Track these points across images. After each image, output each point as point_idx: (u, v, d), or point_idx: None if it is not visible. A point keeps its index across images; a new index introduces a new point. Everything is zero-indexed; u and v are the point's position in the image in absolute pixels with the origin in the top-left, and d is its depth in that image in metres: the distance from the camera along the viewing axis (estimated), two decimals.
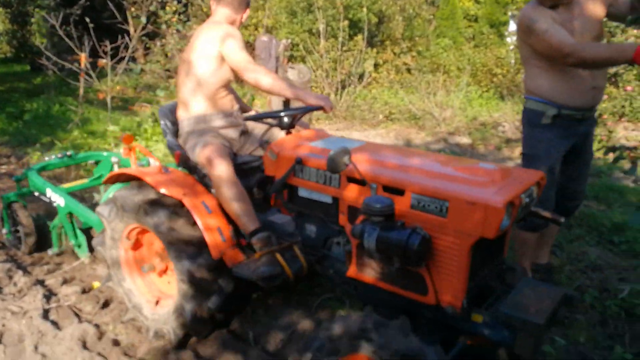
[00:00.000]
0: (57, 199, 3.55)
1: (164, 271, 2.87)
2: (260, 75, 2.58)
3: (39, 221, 3.93)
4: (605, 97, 7.08)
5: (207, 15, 10.06)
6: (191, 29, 8.97)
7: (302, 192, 2.41)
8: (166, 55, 9.11)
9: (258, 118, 2.66)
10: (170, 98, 9.75)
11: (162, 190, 2.49)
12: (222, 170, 2.49)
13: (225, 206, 2.52)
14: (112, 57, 7.44)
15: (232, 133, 2.84)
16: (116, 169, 3.73)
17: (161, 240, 2.55)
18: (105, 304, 3.39)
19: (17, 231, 3.91)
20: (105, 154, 4.20)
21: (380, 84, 10.69)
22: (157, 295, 2.88)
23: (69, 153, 4.08)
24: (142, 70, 10.71)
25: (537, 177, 2.02)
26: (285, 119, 2.57)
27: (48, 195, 3.63)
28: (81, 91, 8.01)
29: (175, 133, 2.90)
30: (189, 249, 2.48)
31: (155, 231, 2.54)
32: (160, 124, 2.96)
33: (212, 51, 2.64)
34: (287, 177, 2.39)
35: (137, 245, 2.88)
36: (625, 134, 6.96)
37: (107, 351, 2.89)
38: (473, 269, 1.92)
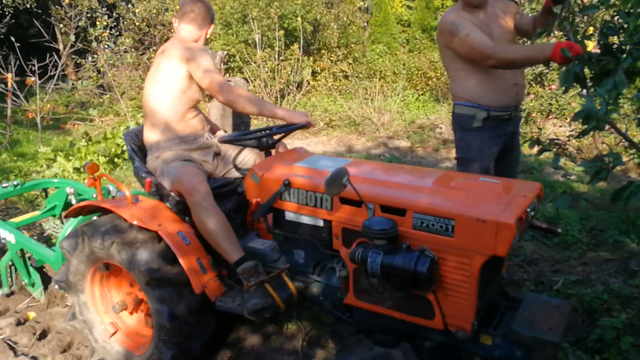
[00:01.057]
0: (7, 235, 3.27)
1: (136, 309, 2.67)
2: (235, 96, 2.44)
3: None
4: (532, 96, 7.52)
5: (140, 28, 9.86)
6: (123, 44, 8.73)
7: (290, 216, 2.28)
8: (98, 72, 8.81)
9: (236, 140, 2.49)
10: (104, 115, 9.44)
11: (136, 222, 2.31)
12: (200, 197, 2.35)
13: (205, 235, 2.37)
14: (42, 75, 7.12)
15: (205, 156, 2.70)
16: (73, 200, 3.49)
17: (136, 278, 2.36)
18: (43, 335, 3.22)
19: None
20: (56, 180, 3.91)
21: (319, 91, 10.80)
22: (130, 336, 2.67)
23: (15, 182, 3.72)
24: (73, 87, 10.29)
25: (537, 189, 1.98)
26: (265, 140, 2.46)
27: None
28: (9, 112, 7.60)
29: (143, 158, 2.71)
30: (168, 288, 2.30)
31: (129, 268, 2.34)
32: (127, 149, 2.77)
33: (179, 71, 2.50)
34: (273, 201, 2.25)
35: (104, 282, 2.67)
36: (554, 130, 7.38)
37: None
38: (481, 288, 1.84)
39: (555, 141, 6.83)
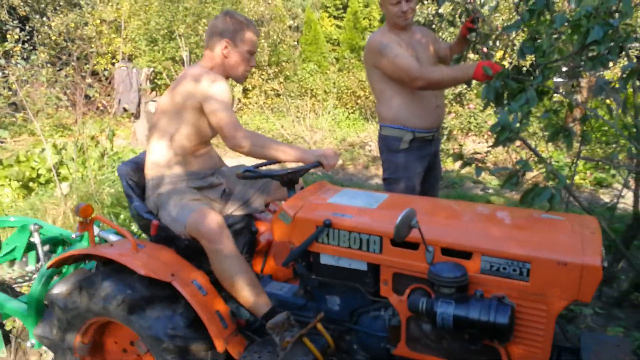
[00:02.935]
0: None
1: None
2: (245, 141, 2.21)
3: None
4: (452, 114, 7.94)
5: (56, 43, 9.36)
6: (38, 59, 8.26)
7: (326, 259, 2.06)
8: (10, 88, 8.25)
9: (256, 177, 2.27)
10: (17, 136, 8.82)
11: (144, 272, 2.01)
12: (222, 244, 2.12)
13: (227, 285, 2.14)
14: None
15: (214, 194, 2.47)
16: (36, 239, 3.09)
17: (147, 343, 2.07)
18: None
19: None
20: (12, 219, 3.44)
21: (250, 109, 10.77)
22: None
23: None
24: None
25: (596, 222, 1.89)
26: (288, 174, 2.27)
27: None
28: None
29: (141, 195, 2.44)
30: (187, 350, 2.03)
31: (139, 332, 2.05)
32: (123, 185, 2.45)
33: (193, 104, 2.26)
34: (309, 244, 2.03)
35: (95, 340, 2.34)
36: (474, 146, 7.83)
37: None
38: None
39: (475, 156, 7.26)
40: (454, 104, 8.09)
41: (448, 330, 1.70)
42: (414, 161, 2.95)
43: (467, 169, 5.85)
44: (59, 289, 2.22)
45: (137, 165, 2.49)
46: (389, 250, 1.89)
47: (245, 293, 2.11)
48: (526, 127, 2.25)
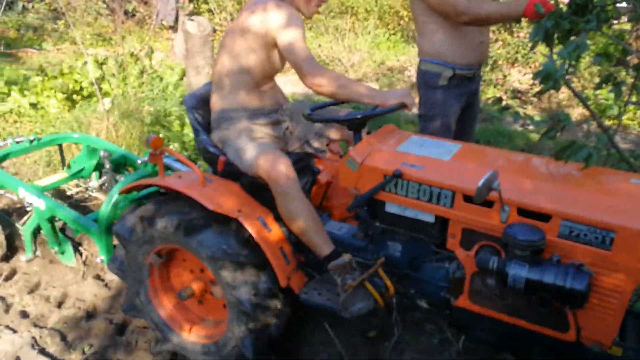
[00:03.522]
0: (35, 201, 3.00)
1: (203, 296, 2.45)
2: (323, 81, 2.12)
3: (2, 222, 3.32)
4: (500, 43, 7.55)
5: None
6: None
7: (391, 208, 2.06)
8: None
9: (322, 121, 2.23)
10: (59, 43, 8.92)
11: (213, 207, 2.05)
12: (288, 185, 2.13)
13: (292, 226, 2.17)
14: None
15: (277, 131, 2.44)
16: (106, 164, 3.24)
17: (208, 264, 2.17)
18: (10, 276, 3.25)
19: None
20: (76, 136, 3.57)
21: (223, 33, 10.45)
22: (193, 322, 2.48)
23: (31, 137, 3.37)
24: (24, 8, 9.64)
25: None
26: (356, 118, 2.18)
27: (21, 195, 3.04)
28: None
29: (207, 128, 2.42)
30: (247, 272, 2.12)
31: (202, 256, 2.14)
32: (189, 117, 2.46)
33: (263, 37, 2.19)
34: (376, 192, 2.02)
35: (162, 268, 2.46)
36: (519, 77, 7.50)
37: (15, 323, 2.82)
38: None
39: (519, 87, 6.98)
40: (502, 32, 7.66)
41: (517, 291, 1.69)
42: (452, 99, 2.90)
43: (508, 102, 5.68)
44: (121, 221, 2.35)
45: (202, 98, 2.46)
46: (460, 205, 1.86)
47: (309, 235, 2.14)
48: (572, 75, 2.16)
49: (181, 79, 5.46)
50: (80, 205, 3.77)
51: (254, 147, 2.23)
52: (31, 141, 3.38)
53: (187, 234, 2.12)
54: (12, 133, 5.06)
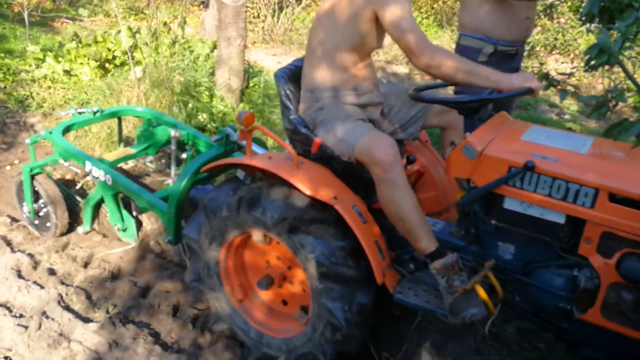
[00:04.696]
0: (103, 176, 2.89)
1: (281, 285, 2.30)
2: (438, 61, 1.89)
3: (64, 194, 3.26)
4: (538, 29, 7.31)
5: None
6: None
7: (511, 204, 1.83)
8: None
9: (438, 101, 2.04)
10: (93, 15, 9.01)
11: (309, 192, 1.90)
12: (395, 173, 1.91)
13: (394, 216, 1.97)
14: None
15: (374, 113, 2.25)
16: (173, 145, 3.11)
17: (303, 264, 1.99)
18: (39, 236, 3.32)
19: (42, 210, 3.22)
20: (139, 110, 3.50)
21: (319, 6, 10.34)
22: (265, 315, 2.35)
23: (95, 109, 3.28)
24: None
25: None
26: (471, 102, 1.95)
27: (88, 169, 2.96)
28: None
29: (296, 107, 2.25)
30: (345, 285, 1.96)
31: (297, 251, 1.98)
32: (280, 93, 2.26)
33: (363, 11, 1.99)
34: (498, 185, 1.81)
35: (238, 252, 2.33)
36: (556, 66, 7.26)
37: (43, 280, 2.87)
38: None
39: (561, 74, 6.76)
40: (542, 17, 7.41)
41: None
42: None
43: (545, 92, 5.49)
44: (215, 194, 2.18)
45: (293, 73, 2.30)
46: (604, 206, 1.64)
47: (413, 228, 1.94)
48: (629, 50, 2.03)
49: (212, 51, 5.44)
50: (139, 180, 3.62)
51: (355, 129, 2.03)
52: (94, 113, 3.28)
53: (292, 231, 1.95)
54: (45, 98, 5.14)
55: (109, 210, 3.05)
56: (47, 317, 2.54)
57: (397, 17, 1.91)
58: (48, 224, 3.21)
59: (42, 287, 2.79)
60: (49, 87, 5.26)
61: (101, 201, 3.10)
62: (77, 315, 2.61)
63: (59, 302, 2.66)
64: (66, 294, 2.76)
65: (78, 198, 3.28)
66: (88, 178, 3.30)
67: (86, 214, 3.19)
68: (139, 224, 3.14)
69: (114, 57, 5.30)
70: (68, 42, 5.51)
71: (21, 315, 2.59)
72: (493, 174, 1.81)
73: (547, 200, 1.73)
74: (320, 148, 2.08)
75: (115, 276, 2.97)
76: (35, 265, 3.01)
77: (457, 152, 1.89)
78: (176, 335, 2.51)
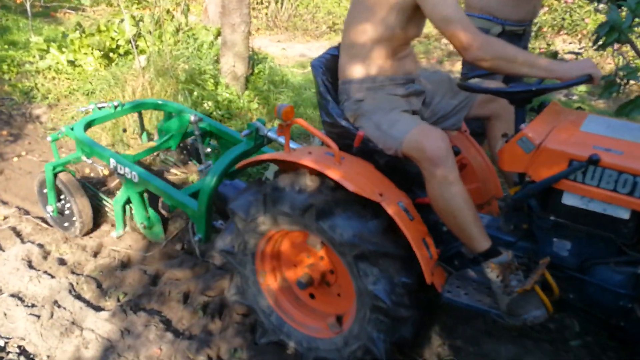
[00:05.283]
0: (129, 173, 2.79)
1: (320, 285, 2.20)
2: (491, 51, 1.77)
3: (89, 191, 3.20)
4: (546, 9, 7.19)
5: None
6: None
7: (570, 199, 1.75)
8: None
9: (488, 91, 1.93)
10: (96, 5, 8.97)
11: (354, 189, 1.79)
12: (450, 167, 1.83)
13: (445, 212, 1.89)
14: None
15: (416, 104, 2.13)
16: (196, 131, 3.02)
17: (339, 252, 1.91)
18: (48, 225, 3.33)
19: (65, 208, 3.14)
20: (160, 102, 3.40)
21: None
22: (305, 313, 2.26)
23: (115, 103, 3.21)
24: None
25: None
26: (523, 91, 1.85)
27: (112, 166, 2.87)
28: None
29: (335, 98, 2.14)
30: (388, 264, 1.86)
31: (335, 242, 1.88)
32: (318, 83, 2.13)
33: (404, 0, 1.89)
34: (558, 180, 1.72)
35: (273, 252, 2.24)
36: (563, 46, 7.16)
37: (53, 270, 2.89)
38: None
39: (569, 53, 6.67)
40: None
41: None
42: None
43: None
44: (242, 199, 2.08)
45: (330, 63, 2.20)
46: None
47: (466, 225, 1.86)
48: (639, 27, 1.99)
49: (216, 38, 5.40)
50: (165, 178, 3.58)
51: (402, 122, 1.95)
52: (115, 107, 3.20)
53: (320, 217, 1.87)
54: (50, 89, 5.14)
55: (134, 208, 2.95)
56: (59, 306, 2.57)
57: (441, 6, 1.79)
58: (73, 223, 3.13)
59: (52, 277, 2.81)
60: (54, 78, 5.26)
61: (128, 200, 3.01)
62: (88, 303, 2.63)
63: (70, 291, 2.68)
64: (77, 283, 2.78)
65: (102, 195, 3.21)
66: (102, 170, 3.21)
67: (117, 217, 3.04)
68: (165, 222, 3.08)
69: (118, 47, 5.28)
70: (71, 32, 5.49)
71: (33, 305, 2.61)
72: (552, 168, 1.72)
73: (612, 195, 1.65)
74: (362, 142, 2.00)
75: (125, 265, 2.98)
76: (46, 255, 3.03)
77: (512, 144, 1.80)
78: (187, 322, 2.52)
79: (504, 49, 1.78)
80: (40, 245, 3.09)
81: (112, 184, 3.37)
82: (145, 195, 2.92)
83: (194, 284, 2.73)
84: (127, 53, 5.24)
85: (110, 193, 3.32)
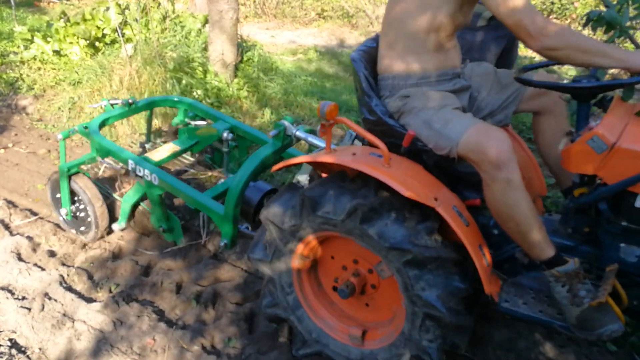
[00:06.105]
0: (149, 175, 2.64)
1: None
2: (560, 44, 1.59)
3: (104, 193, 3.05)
4: None
5: None
6: None
7: None
8: None
9: (549, 86, 1.81)
10: None
11: (408, 194, 1.64)
12: (513, 170, 1.68)
13: (506, 218, 1.75)
14: None
15: (465, 98, 2.00)
16: (225, 147, 2.91)
17: (389, 261, 1.78)
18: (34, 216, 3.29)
19: (80, 211, 3.00)
20: (176, 99, 3.23)
21: None
22: (346, 323, 2.10)
23: (130, 100, 3.05)
24: None
25: None
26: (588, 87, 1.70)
27: (131, 168, 2.71)
28: None
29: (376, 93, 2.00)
30: (441, 269, 1.74)
31: (381, 247, 1.75)
32: (360, 77, 1.97)
33: None
34: (634, 183, 1.60)
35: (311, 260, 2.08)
36: None
37: (43, 262, 2.86)
38: None
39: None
40: None
41: None
42: (491, 41, 2.74)
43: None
44: (276, 206, 1.94)
45: (369, 56, 2.05)
46: None
47: (529, 232, 1.73)
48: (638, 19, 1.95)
49: (203, 26, 5.33)
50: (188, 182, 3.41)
51: (457, 120, 1.80)
52: (129, 104, 3.05)
53: (365, 222, 1.74)
54: (35, 80, 5.05)
55: (152, 210, 2.79)
56: (50, 299, 2.54)
57: None
58: (88, 226, 3.00)
59: (42, 269, 2.78)
60: (39, 69, 5.17)
61: (139, 200, 2.89)
62: (80, 295, 2.61)
63: (60, 283, 2.65)
64: (67, 275, 2.74)
65: (116, 196, 3.05)
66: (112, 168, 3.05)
67: (123, 212, 2.88)
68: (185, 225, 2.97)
69: (104, 35, 5.18)
70: (56, 21, 5.38)
71: (23, 298, 2.58)
72: (628, 170, 1.60)
73: None
74: (412, 141, 1.86)
75: (116, 256, 2.96)
76: (35, 247, 2.99)
77: (581, 144, 1.66)
78: (180, 311, 2.51)
79: (577, 38, 1.61)
80: (30, 238, 3.06)
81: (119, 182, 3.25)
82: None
83: (186, 274, 2.71)
84: (113, 42, 5.16)
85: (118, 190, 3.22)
